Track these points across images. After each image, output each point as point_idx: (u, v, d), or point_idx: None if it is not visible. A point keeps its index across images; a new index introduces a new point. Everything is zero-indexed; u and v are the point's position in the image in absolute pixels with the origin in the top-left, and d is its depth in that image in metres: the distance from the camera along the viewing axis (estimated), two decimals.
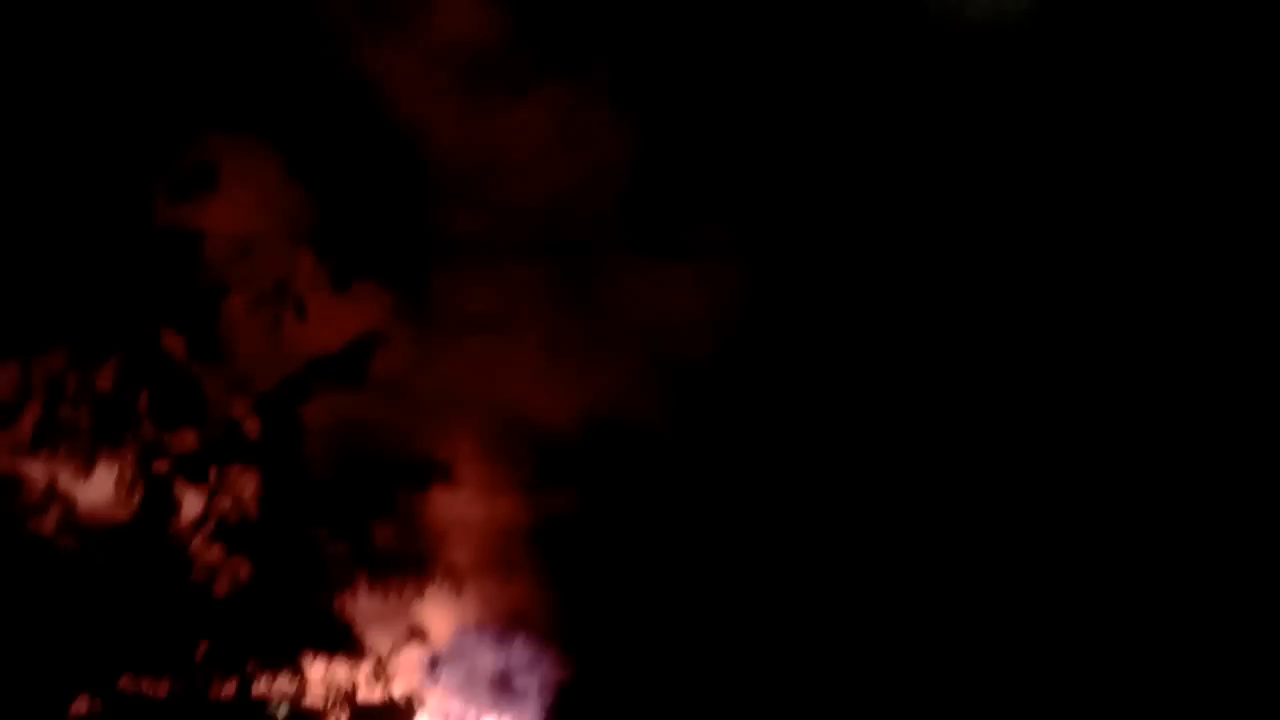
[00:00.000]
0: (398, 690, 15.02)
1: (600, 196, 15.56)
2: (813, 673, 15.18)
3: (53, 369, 14.42)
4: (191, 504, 14.80)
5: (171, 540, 14.70)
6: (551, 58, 15.54)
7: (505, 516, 15.16)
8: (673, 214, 15.72)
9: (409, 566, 15.11)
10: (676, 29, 15.74)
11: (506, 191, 15.52)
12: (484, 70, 15.47)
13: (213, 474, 14.86)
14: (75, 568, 14.40)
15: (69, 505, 14.42)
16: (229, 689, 14.62)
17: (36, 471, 14.37)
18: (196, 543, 14.74)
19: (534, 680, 15.00)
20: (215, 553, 14.77)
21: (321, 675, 14.88)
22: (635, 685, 15.10)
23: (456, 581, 15.15)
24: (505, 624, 15.08)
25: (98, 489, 14.53)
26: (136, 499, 14.62)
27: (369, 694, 14.98)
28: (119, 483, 14.58)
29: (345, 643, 14.95)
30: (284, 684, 14.78)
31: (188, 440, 14.83)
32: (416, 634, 15.10)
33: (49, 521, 14.38)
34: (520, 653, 15.02)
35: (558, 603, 15.12)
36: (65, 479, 14.41)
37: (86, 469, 14.49)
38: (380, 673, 15.00)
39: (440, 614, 15.12)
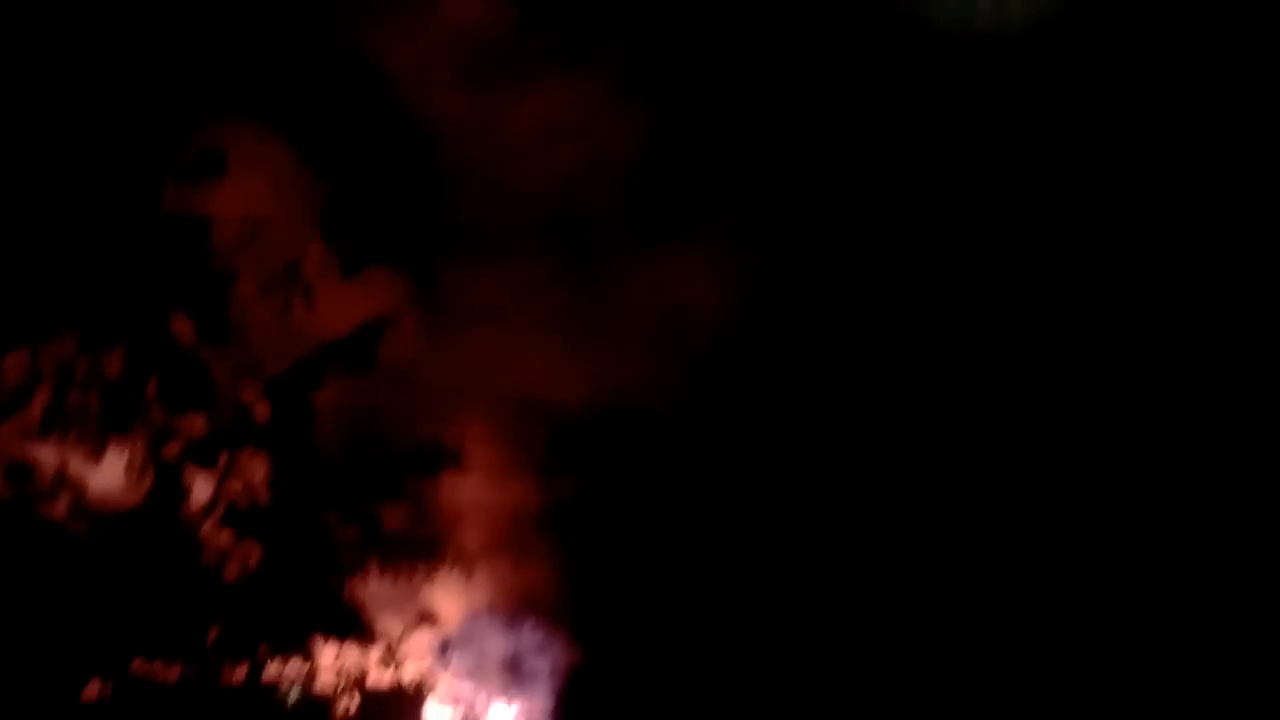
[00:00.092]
0: (408, 674, 15.04)
1: (608, 184, 15.58)
2: (817, 656, 15.20)
3: (62, 354, 14.45)
4: (201, 489, 14.83)
5: (181, 525, 14.73)
6: (560, 47, 15.56)
7: (515, 501, 15.17)
8: (680, 202, 15.74)
9: (419, 551, 15.13)
10: (684, 18, 15.77)
11: (515, 179, 15.53)
12: (493, 59, 15.48)
13: (223, 459, 14.89)
14: (86, 553, 14.42)
15: (79, 490, 14.44)
16: (240, 674, 14.65)
17: (46, 456, 14.39)
18: (207, 528, 14.76)
19: (544, 664, 15.01)
20: (225, 538, 14.80)
21: (332, 660, 14.90)
22: (645, 668, 15.12)
23: (466, 566, 15.16)
24: (515, 608, 15.09)
25: (107, 474, 14.55)
26: (146, 484, 14.64)
27: (379, 678, 15.01)
28: (129, 468, 14.60)
29: (356, 627, 14.97)
30: (295, 668, 14.81)
31: (197, 425, 14.86)
32: (427, 618, 15.11)
33: (59, 507, 14.40)
34: (530, 637, 15.03)
35: (568, 587, 15.14)
36: (75, 464, 14.44)
37: (96, 454, 14.51)
38: (390, 657, 15.02)
39: (450, 598, 15.13)
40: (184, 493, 14.76)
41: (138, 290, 14.66)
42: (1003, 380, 15.62)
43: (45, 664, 14.08)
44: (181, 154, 14.84)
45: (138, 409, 14.65)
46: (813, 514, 15.51)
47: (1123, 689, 14.88)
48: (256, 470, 14.95)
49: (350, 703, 14.87)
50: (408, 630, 15.07)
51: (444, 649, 15.04)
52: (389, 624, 15.06)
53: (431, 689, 15.04)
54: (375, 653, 15.00)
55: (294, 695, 14.76)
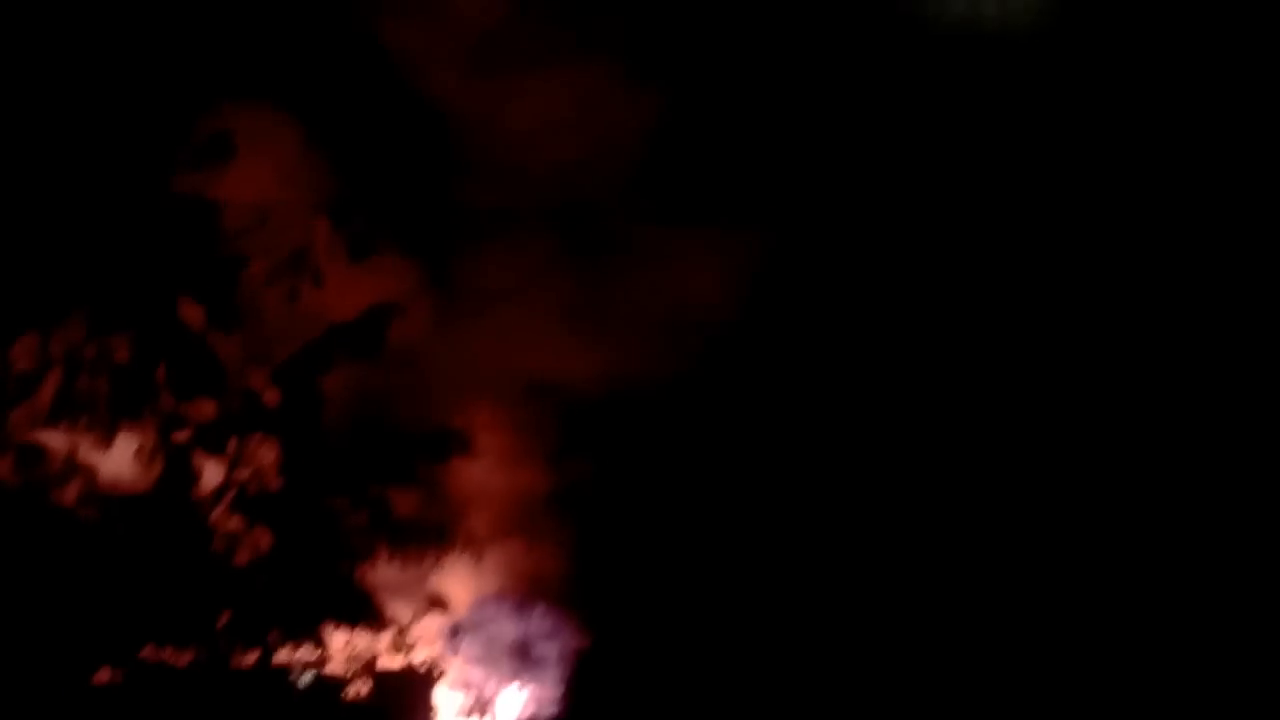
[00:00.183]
0: (418, 659, 15.05)
1: (618, 170, 15.52)
2: (825, 641, 15.20)
3: (72, 339, 14.44)
4: (211, 474, 14.83)
5: (192, 511, 14.74)
6: (569, 31, 15.49)
7: (525, 486, 15.16)
8: (689, 185, 15.68)
9: (429, 536, 15.12)
10: (693, 4, 15.70)
11: (525, 164, 15.47)
12: (503, 43, 15.42)
13: (232, 444, 14.88)
14: (96, 539, 14.44)
15: (89, 476, 14.45)
16: (251, 659, 14.68)
17: (56, 442, 14.40)
18: (217, 513, 14.77)
19: (554, 649, 15.02)
20: (236, 523, 14.80)
21: (343, 644, 14.92)
22: (654, 654, 15.12)
23: (476, 551, 15.16)
24: (525, 593, 15.09)
25: (117, 460, 14.55)
26: (156, 470, 14.65)
27: (390, 663, 15.03)
28: (138, 454, 14.60)
29: (366, 612, 14.98)
30: (306, 653, 14.83)
31: (207, 410, 14.85)
32: (437, 603, 15.12)
33: (69, 493, 14.42)
34: (540, 622, 15.03)
35: (577, 572, 15.13)
36: (85, 450, 14.44)
37: (106, 440, 14.52)
38: (401, 642, 15.03)
39: (460, 583, 15.14)
40: (194, 478, 14.76)
41: (147, 275, 14.64)
42: (1004, 372, 15.60)
43: (57, 650, 14.11)
44: (190, 139, 14.80)
45: (147, 394, 14.64)
46: (820, 500, 15.48)
47: (1123, 688, 14.87)
48: (266, 455, 14.95)
49: (361, 688, 14.89)
50: (418, 615, 15.08)
51: (454, 634, 15.04)
52: (399, 609, 15.07)
53: (442, 674, 15.05)
54: (386, 638, 15.01)
55: (305, 680, 14.79)
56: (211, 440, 14.81)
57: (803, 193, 15.77)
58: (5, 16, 14.27)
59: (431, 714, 14.99)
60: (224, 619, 14.65)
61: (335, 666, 14.89)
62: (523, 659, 14.98)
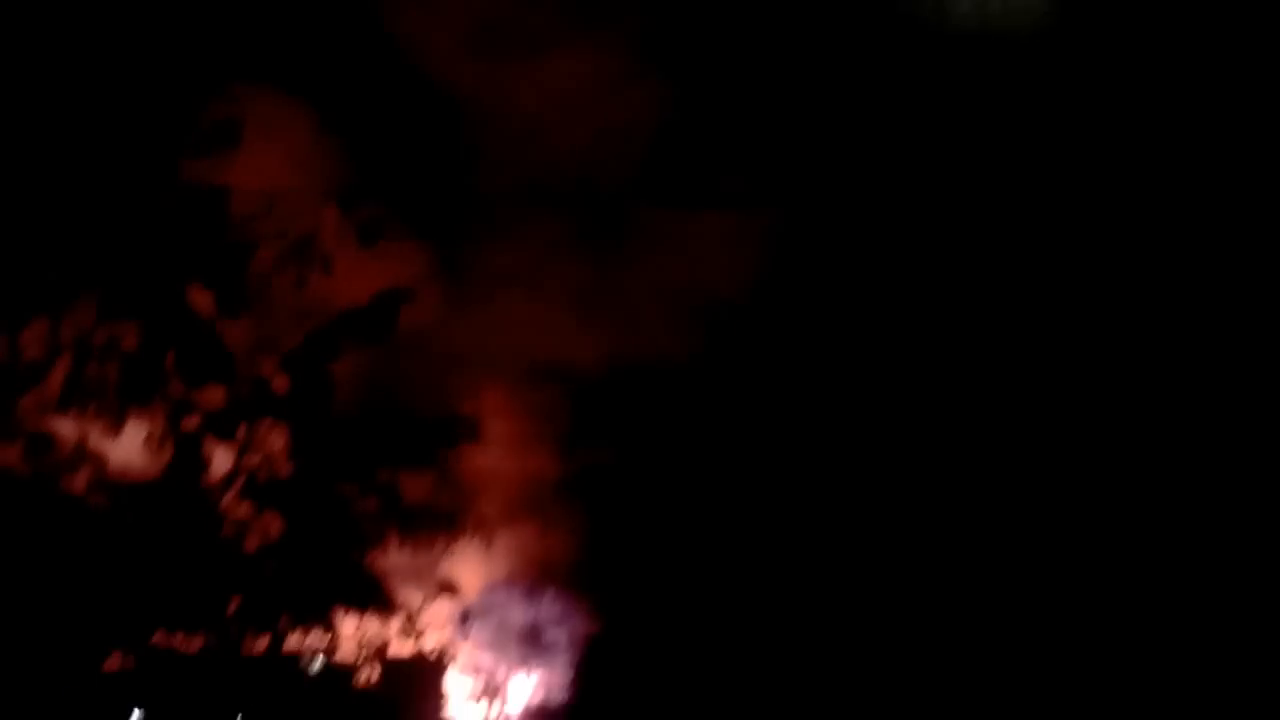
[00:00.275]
0: (429, 644, 15.07)
1: (628, 152, 15.52)
2: (834, 625, 15.25)
3: (81, 326, 14.36)
4: (221, 461, 14.78)
5: (202, 497, 14.69)
6: (579, 17, 15.45)
7: (535, 470, 15.18)
8: (699, 169, 15.69)
9: (439, 522, 15.14)
10: None
11: (535, 148, 15.48)
12: (512, 29, 15.39)
13: (242, 431, 14.84)
14: (106, 526, 14.39)
15: (99, 463, 14.39)
16: (262, 644, 14.66)
17: (66, 429, 14.33)
18: (227, 499, 14.73)
19: (564, 634, 15.06)
20: (246, 509, 14.77)
21: (353, 630, 14.92)
22: (664, 638, 15.15)
23: (486, 536, 15.18)
24: (535, 578, 15.12)
25: (127, 447, 14.50)
26: (166, 456, 14.60)
27: (400, 648, 15.04)
28: (148, 440, 14.55)
29: (376, 598, 14.98)
30: (316, 639, 14.83)
31: (216, 397, 14.79)
32: (447, 589, 15.14)
33: (79, 480, 14.36)
34: (550, 607, 15.07)
35: (587, 557, 15.16)
36: (95, 437, 14.38)
37: (116, 427, 14.45)
38: (411, 627, 15.04)
39: (470, 569, 15.15)
40: (203, 465, 14.71)
41: (156, 262, 14.56)
42: (1007, 362, 15.65)
43: (68, 636, 14.08)
44: (199, 126, 14.70)
45: (157, 381, 14.57)
46: (828, 485, 15.52)
47: (1122, 688, 14.95)
48: (276, 442, 14.91)
49: (371, 673, 14.91)
50: (428, 601, 15.10)
51: (464, 619, 15.07)
52: (409, 594, 15.09)
53: (452, 659, 15.08)
54: (396, 623, 15.03)
55: (316, 665, 14.79)
56: (221, 427, 14.76)
57: (812, 178, 15.77)
58: (17, 5, 14.13)
59: (442, 699, 15.02)
60: (234, 605, 14.62)
61: (345, 652, 14.90)
62: (533, 644, 15.02)
